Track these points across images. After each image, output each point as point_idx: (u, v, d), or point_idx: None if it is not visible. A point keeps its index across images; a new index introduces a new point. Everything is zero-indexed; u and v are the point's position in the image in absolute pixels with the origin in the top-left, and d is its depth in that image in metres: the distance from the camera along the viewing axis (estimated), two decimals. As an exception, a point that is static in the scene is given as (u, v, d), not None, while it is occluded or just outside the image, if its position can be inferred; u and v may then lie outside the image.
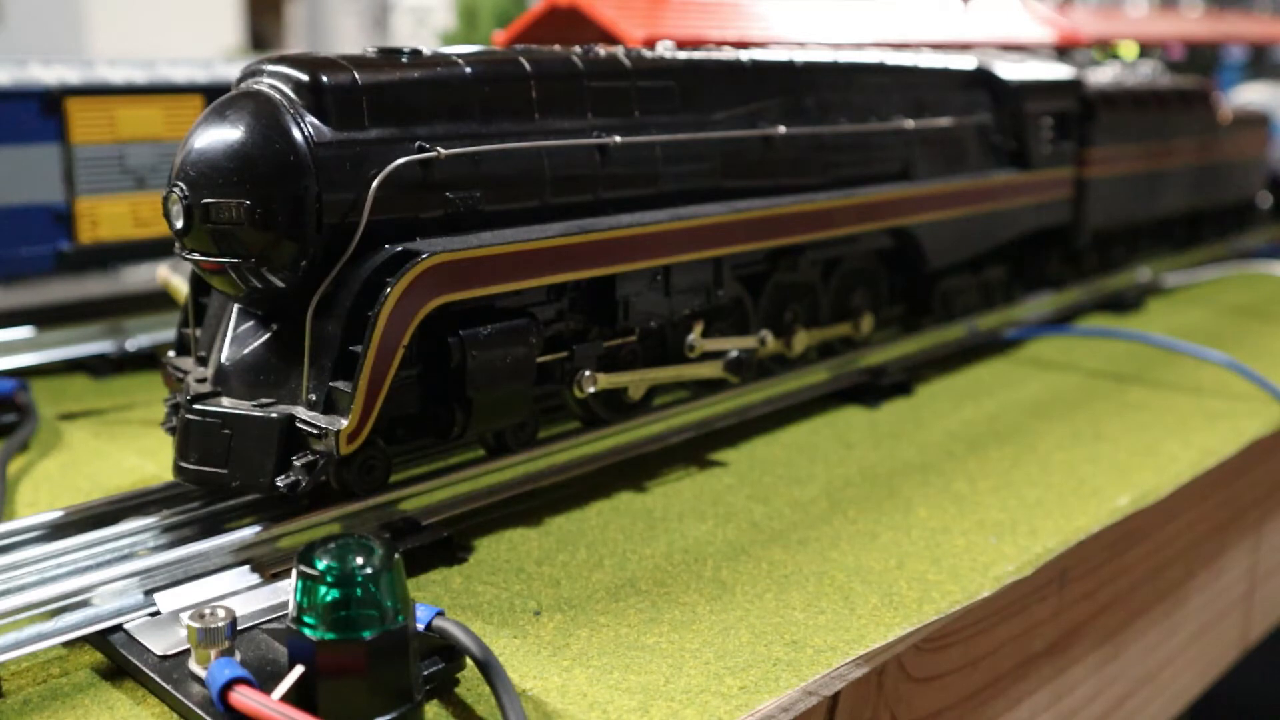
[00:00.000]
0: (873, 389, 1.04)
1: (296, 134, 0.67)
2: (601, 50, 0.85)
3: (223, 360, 0.71)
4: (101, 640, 0.59)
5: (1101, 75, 1.46)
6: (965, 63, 1.19)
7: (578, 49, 0.84)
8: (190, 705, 0.53)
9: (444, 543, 0.71)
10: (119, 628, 0.59)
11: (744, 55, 0.94)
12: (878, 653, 0.62)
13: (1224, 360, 1.11)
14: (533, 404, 0.78)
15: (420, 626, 0.55)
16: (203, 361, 0.75)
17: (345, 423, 0.64)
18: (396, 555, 0.53)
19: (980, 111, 1.18)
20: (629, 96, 0.84)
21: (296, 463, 0.66)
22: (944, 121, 1.12)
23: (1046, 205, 1.26)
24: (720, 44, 0.99)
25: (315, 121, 0.68)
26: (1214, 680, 1.00)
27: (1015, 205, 1.21)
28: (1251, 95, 1.93)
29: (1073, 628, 0.79)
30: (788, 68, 0.97)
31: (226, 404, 0.68)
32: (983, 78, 1.20)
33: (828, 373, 1.02)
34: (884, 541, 0.75)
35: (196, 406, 0.68)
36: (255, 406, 0.67)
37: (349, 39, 3.34)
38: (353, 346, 0.66)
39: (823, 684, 0.59)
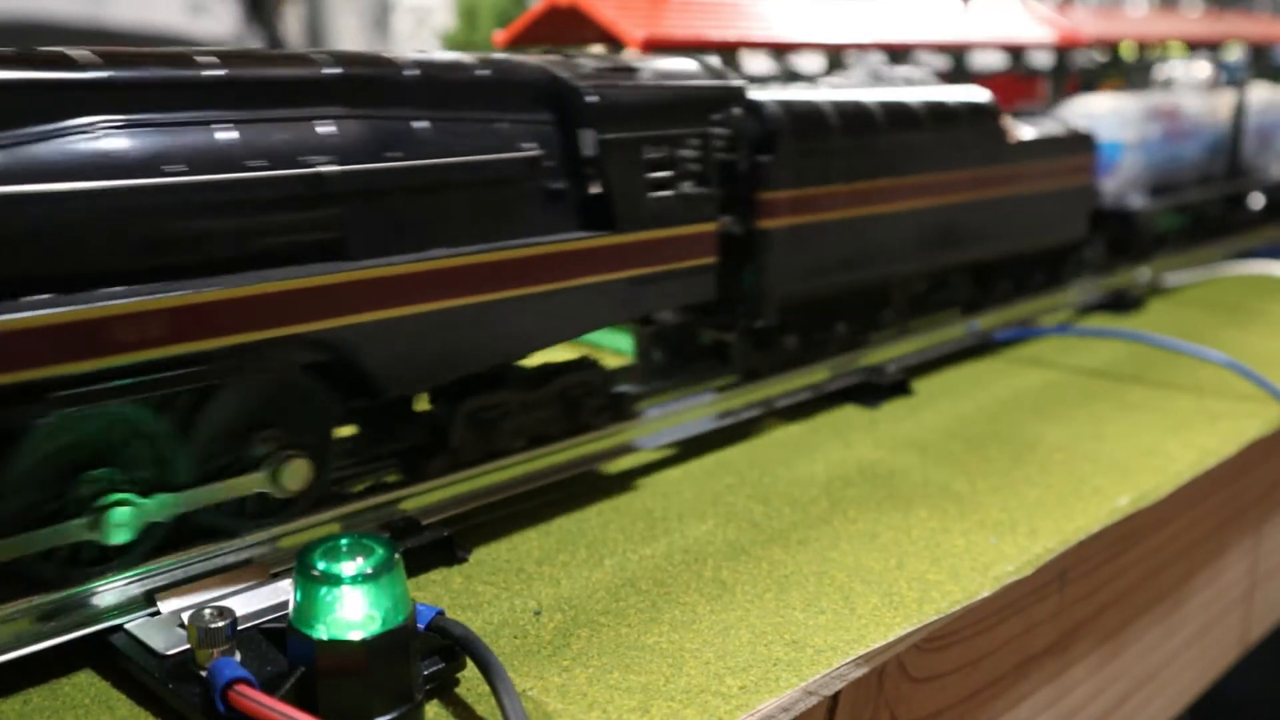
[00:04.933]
0: (873, 389, 1.04)
1: None
2: None
3: None
4: (102, 640, 0.59)
5: (803, 90, 1.03)
6: (507, 67, 0.79)
7: None
8: (190, 705, 0.53)
9: (444, 543, 0.71)
10: (119, 628, 0.59)
11: None
12: (878, 653, 0.62)
13: (1224, 360, 1.11)
14: None
15: (420, 626, 0.55)
16: None
17: None
18: (396, 555, 0.53)
19: (528, 141, 0.77)
20: None
21: None
22: (425, 162, 0.71)
23: (661, 279, 0.84)
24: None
25: None
26: (1214, 680, 1.00)
27: (583, 284, 0.79)
28: (1090, 108, 1.48)
29: (1073, 628, 0.79)
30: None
31: None
32: (542, 90, 0.79)
33: (828, 372, 1.02)
34: (884, 541, 0.75)
35: None
36: None
37: (349, 39, 3.33)
38: None
39: (823, 684, 0.59)
